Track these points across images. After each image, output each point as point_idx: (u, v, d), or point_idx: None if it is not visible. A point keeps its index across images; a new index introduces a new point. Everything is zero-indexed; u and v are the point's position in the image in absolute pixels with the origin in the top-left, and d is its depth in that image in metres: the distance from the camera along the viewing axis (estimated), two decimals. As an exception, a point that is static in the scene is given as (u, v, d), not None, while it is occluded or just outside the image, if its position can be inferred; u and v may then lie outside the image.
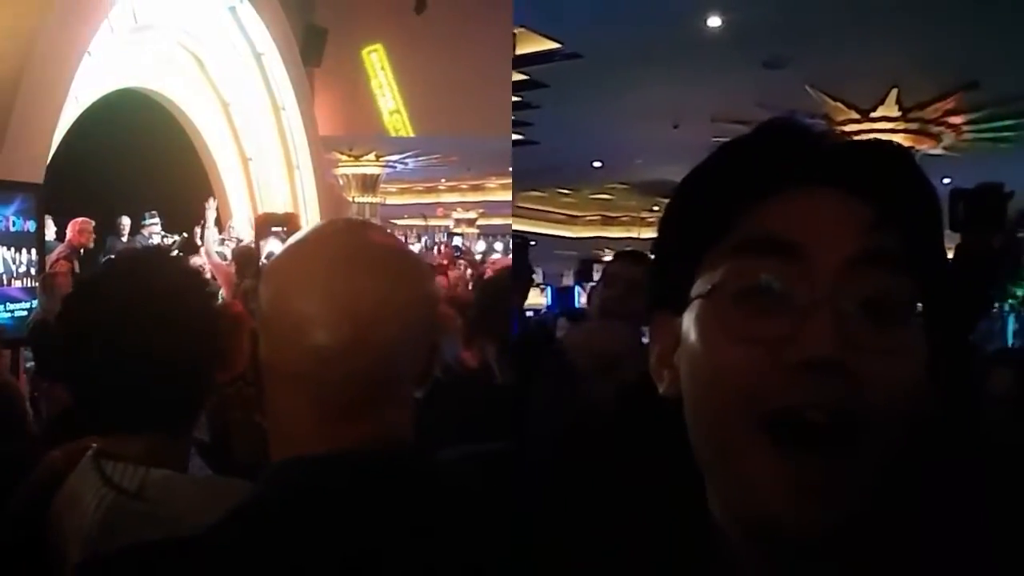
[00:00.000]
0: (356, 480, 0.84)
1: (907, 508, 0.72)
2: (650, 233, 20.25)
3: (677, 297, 0.75)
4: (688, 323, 0.73)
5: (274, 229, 10.87)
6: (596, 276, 20.81)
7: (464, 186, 22.78)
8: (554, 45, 9.86)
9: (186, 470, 1.38)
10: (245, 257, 9.24)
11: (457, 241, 17.87)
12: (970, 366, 2.45)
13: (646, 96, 11.06)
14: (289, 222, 11.38)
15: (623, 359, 2.20)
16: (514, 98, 11.67)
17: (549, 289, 17.25)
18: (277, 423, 0.91)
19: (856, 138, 0.77)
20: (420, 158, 18.53)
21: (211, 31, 11.90)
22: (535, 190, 18.00)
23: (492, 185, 21.81)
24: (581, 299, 18.23)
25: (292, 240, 0.95)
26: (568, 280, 18.95)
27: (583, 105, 11.46)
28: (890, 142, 0.78)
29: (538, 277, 14.43)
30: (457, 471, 0.94)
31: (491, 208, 23.28)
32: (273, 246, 10.56)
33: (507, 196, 20.62)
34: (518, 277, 4.18)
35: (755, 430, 0.66)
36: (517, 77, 11.01)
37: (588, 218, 21.23)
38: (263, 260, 10.32)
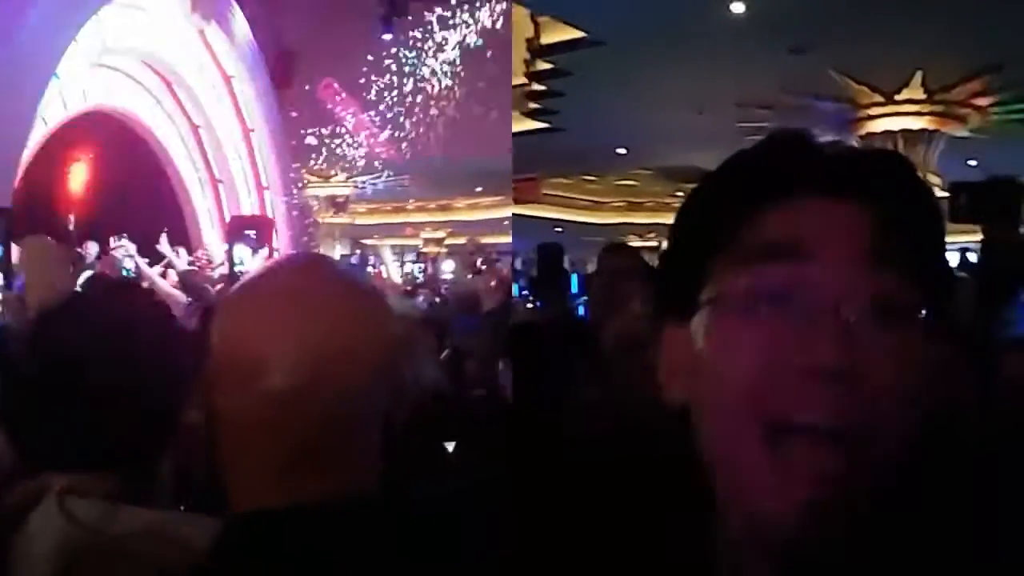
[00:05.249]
0: (319, 536, 0.80)
1: (910, 512, 0.72)
2: (675, 219, 20.93)
3: (685, 304, 0.75)
4: (695, 329, 0.74)
5: (245, 233, 10.71)
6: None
7: (432, 206, 22.82)
8: (579, 34, 9.87)
9: (154, 506, 1.34)
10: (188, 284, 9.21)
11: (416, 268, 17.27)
12: (992, 357, 2.49)
13: (670, 82, 11.03)
14: (259, 225, 11.23)
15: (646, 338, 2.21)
16: (539, 87, 11.72)
17: (575, 276, 17.20)
18: (234, 472, 0.86)
19: (858, 147, 0.79)
20: (389, 178, 18.51)
21: (181, 54, 11.84)
22: (561, 177, 17.96)
23: (460, 205, 21.90)
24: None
25: (245, 278, 0.92)
26: (593, 266, 18.79)
27: (607, 92, 11.36)
28: (891, 151, 0.80)
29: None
30: (435, 511, 0.91)
31: (459, 227, 23.29)
32: (242, 252, 10.39)
33: (476, 215, 20.68)
34: (543, 283, 4.43)
35: (759, 433, 0.67)
36: (543, 66, 11.10)
37: (614, 204, 21.30)
38: (235, 268, 10.18)
